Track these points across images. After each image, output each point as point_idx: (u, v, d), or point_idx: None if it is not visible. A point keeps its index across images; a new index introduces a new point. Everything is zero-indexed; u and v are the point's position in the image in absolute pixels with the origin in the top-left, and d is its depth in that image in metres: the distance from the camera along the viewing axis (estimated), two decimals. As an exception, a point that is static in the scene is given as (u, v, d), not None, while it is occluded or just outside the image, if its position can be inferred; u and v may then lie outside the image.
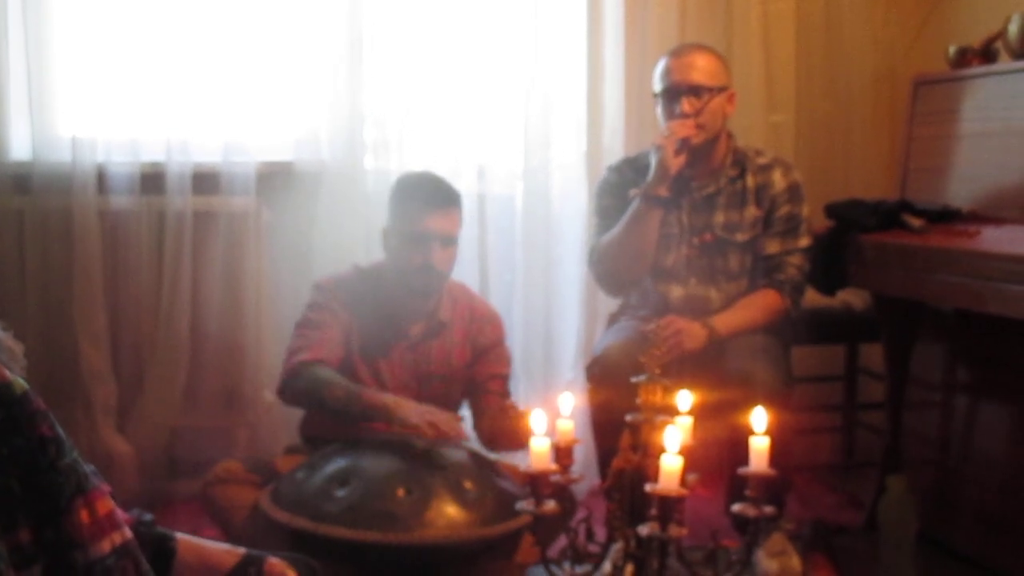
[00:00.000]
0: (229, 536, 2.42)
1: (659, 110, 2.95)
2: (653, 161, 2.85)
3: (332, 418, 2.63)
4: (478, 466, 2.48)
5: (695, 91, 2.85)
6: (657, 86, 2.93)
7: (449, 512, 2.29)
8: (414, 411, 2.51)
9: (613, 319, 3.13)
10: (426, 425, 2.47)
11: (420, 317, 2.76)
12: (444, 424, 2.49)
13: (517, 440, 2.56)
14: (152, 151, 3.34)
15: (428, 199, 2.69)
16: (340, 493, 2.31)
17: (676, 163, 2.82)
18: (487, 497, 2.36)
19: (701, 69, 2.87)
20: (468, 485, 2.35)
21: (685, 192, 2.92)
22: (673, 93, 2.87)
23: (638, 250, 2.90)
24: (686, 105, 2.85)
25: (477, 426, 2.82)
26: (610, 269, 2.98)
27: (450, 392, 2.81)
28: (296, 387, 2.62)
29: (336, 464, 2.40)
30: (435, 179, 2.78)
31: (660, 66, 2.94)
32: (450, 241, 2.70)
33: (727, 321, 2.81)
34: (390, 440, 2.49)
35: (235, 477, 2.57)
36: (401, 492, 2.29)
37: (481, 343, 2.83)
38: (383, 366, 2.73)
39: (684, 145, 2.82)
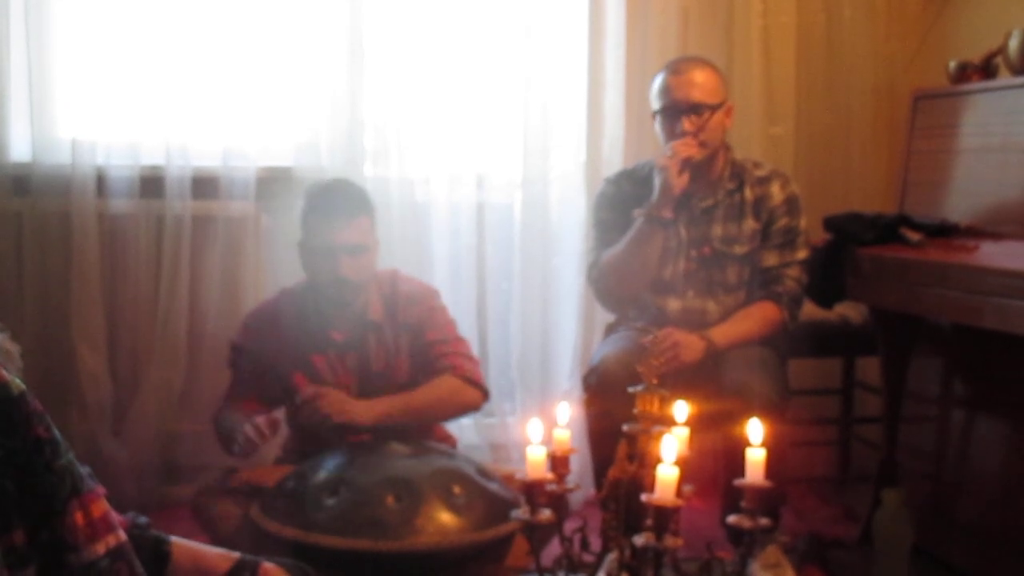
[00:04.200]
0: (220, 547, 2.41)
1: (657, 127, 2.94)
2: (657, 182, 2.84)
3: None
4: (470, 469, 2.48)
5: (696, 109, 2.85)
6: (656, 104, 2.92)
7: (439, 518, 2.29)
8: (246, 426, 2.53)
9: (610, 329, 3.13)
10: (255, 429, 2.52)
11: (345, 324, 2.74)
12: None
13: None
14: (152, 155, 3.34)
15: (330, 211, 2.66)
16: (330, 502, 2.31)
17: (680, 183, 2.81)
18: (477, 502, 2.36)
19: (701, 86, 2.86)
20: (457, 490, 2.35)
21: (685, 208, 2.92)
22: (673, 112, 2.86)
23: (640, 269, 2.90)
24: (687, 124, 2.84)
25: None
26: (612, 287, 2.98)
27: (392, 389, 2.75)
28: (219, 440, 2.73)
29: (325, 473, 2.40)
30: (339, 188, 2.74)
31: (658, 83, 2.92)
32: (358, 250, 2.66)
33: (725, 333, 2.81)
34: (378, 448, 2.49)
35: (226, 487, 2.58)
36: (391, 499, 2.29)
37: (411, 322, 2.77)
38: (326, 375, 2.73)
39: (687, 165, 2.81)
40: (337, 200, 2.69)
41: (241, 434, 2.51)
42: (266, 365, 2.74)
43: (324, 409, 2.55)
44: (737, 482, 1.99)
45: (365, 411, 2.59)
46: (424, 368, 2.76)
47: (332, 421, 2.54)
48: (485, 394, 2.79)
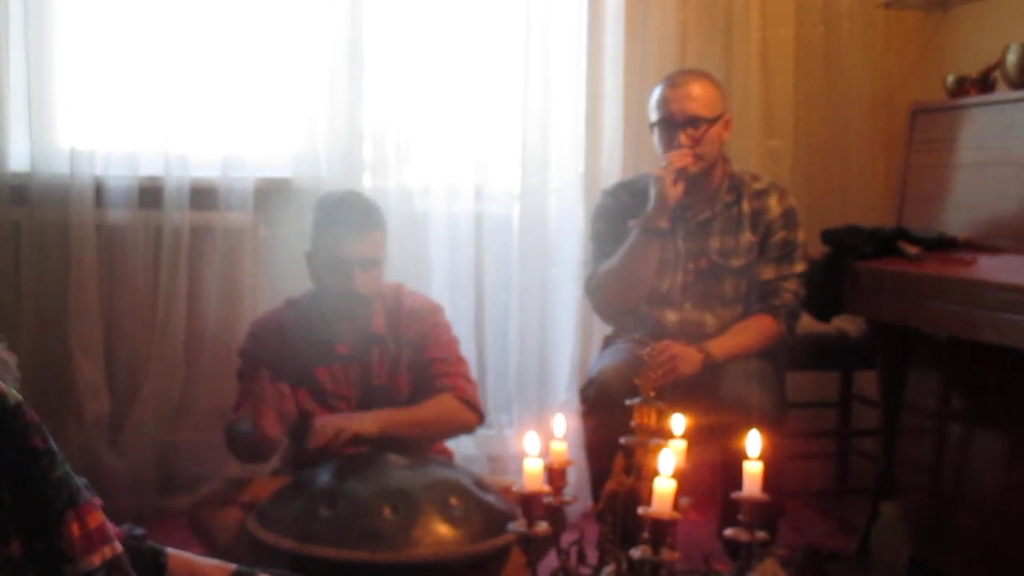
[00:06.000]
0: (217, 558, 2.41)
1: (656, 139, 2.95)
2: (652, 193, 2.84)
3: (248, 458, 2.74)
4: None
5: (692, 122, 2.85)
6: (653, 116, 2.93)
7: (436, 530, 2.29)
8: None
9: (608, 341, 3.13)
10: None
11: (349, 337, 2.73)
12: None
13: None
14: (151, 165, 3.35)
15: (346, 224, 2.65)
16: (327, 513, 2.31)
17: (675, 194, 2.81)
18: (474, 514, 2.36)
19: (698, 99, 2.86)
20: (454, 502, 2.35)
21: (681, 219, 2.92)
22: (670, 124, 2.87)
23: (637, 280, 2.90)
24: (683, 137, 2.84)
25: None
26: (608, 299, 2.98)
27: (393, 403, 2.74)
28: (231, 449, 2.71)
29: (322, 484, 2.40)
30: (354, 201, 2.73)
31: (656, 95, 2.93)
32: (371, 264, 2.66)
33: (722, 346, 2.81)
34: (375, 460, 2.49)
35: (222, 498, 2.57)
36: (388, 511, 2.29)
37: (413, 337, 2.77)
38: (328, 387, 2.72)
39: (682, 174, 2.82)
40: (353, 213, 2.68)
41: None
42: (271, 373, 2.72)
43: (332, 431, 2.51)
44: (734, 495, 2.00)
45: (371, 421, 2.57)
46: (422, 384, 2.76)
47: (344, 436, 2.50)
48: (481, 418, 2.78)
